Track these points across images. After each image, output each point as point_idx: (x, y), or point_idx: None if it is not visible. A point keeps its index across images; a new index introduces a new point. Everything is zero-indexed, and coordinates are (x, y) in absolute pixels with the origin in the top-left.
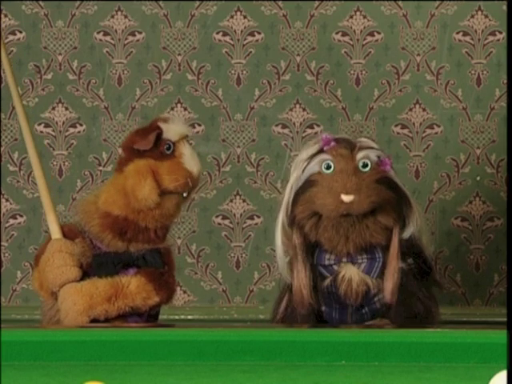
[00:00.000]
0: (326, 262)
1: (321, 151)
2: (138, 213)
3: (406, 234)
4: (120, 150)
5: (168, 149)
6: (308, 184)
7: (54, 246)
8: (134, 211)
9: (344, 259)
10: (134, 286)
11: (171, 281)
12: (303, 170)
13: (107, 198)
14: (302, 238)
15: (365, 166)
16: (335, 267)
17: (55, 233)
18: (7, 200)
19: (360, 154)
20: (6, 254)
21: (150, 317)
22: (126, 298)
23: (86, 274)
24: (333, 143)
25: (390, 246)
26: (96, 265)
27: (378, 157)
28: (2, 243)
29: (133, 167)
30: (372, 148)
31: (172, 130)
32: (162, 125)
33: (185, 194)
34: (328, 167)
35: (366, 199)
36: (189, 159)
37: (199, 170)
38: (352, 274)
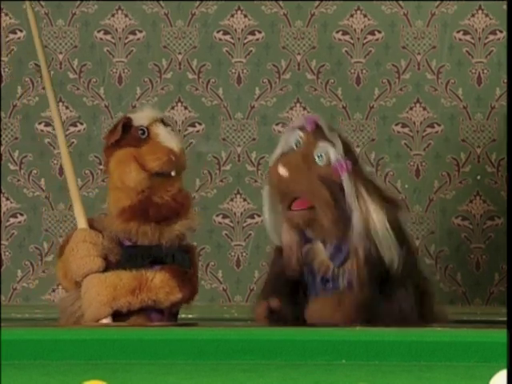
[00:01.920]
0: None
1: (302, 127)
2: (140, 193)
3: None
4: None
5: (143, 134)
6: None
7: (79, 236)
8: (138, 195)
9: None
10: (158, 280)
11: (194, 280)
12: (286, 140)
13: (111, 200)
14: None
15: (319, 157)
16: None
17: (81, 223)
18: (7, 199)
19: (321, 144)
20: (7, 253)
21: (170, 315)
22: (149, 291)
23: (111, 267)
24: (312, 126)
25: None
26: (125, 257)
27: (338, 158)
28: (3, 242)
29: (114, 160)
30: (335, 146)
31: (141, 116)
32: (130, 115)
33: (173, 173)
34: (297, 144)
35: (295, 181)
36: (166, 137)
37: (179, 146)
38: (319, 251)
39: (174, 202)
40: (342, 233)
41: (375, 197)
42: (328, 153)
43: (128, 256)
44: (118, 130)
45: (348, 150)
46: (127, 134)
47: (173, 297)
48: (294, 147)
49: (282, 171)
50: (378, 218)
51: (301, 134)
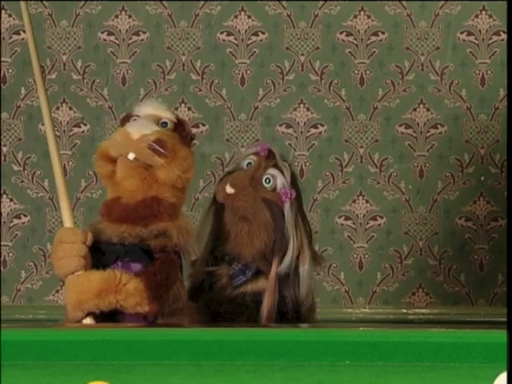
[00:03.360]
0: (216, 253)
1: (255, 153)
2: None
3: (283, 268)
4: None
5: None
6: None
7: (57, 237)
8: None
9: (226, 257)
10: (131, 287)
11: (165, 296)
12: (238, 163)
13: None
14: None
15: (267, 181)
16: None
17: (65, 221)
18: (11, 200)
19: (270, 170)
20: (10, 254)
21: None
22: (119, 294)
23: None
24: (265, 153)
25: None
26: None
27: (284, 185)
28: (7, 243)
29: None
30: (284, 174)
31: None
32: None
33: (130, 156)
34: (247, 165)
35: (239, 198)
36: (135, 124)
37: (140, 130)
38: (223, 275)
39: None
40: (263, 257)
41: (308, 235)
42: (276, 178)
43: (92, 252)
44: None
45: (294, 181)
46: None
47: (139, 308)
48: (246, 168)
49: (229, 189)
50: (308, 254)
51: (253, 157)
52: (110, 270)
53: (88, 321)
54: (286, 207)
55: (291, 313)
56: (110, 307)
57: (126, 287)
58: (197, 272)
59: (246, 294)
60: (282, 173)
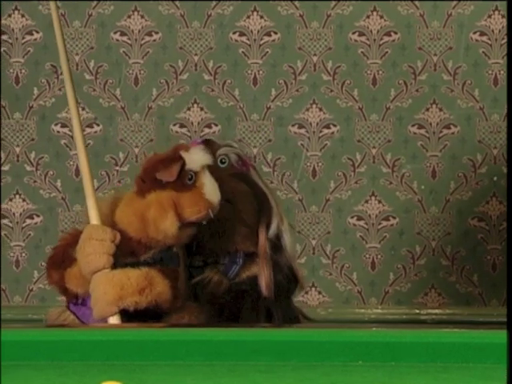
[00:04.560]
0: (196, 264)
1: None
2: (152, 238)
3: (271, 233)
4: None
5: (190, 179)
6: None
7: (86, 233)
8: (149, 237)
9: (209, 260)
10: (167, 284)
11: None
12: None
13: (123, 217)
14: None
15: (222, 162)
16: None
17: (92, 218)
18: (24, 200)
19: (219, 151)
20: (23, 254)
21: None
22: (154, 291)
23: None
24: (200, 143)
25: (257, 245)
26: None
27: (239, 156)
28: (19, 243)
29: (155, 198)
30: (232, 147)
31: (194, 160)
32: (183, 154)
33: (204, 223)
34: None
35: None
36: (210, 189)
37: (219, 198)
38: (212, 274)
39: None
40: (250, 234)
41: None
42: (227, 154)
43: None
44: (174, 174)
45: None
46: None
47: (172, 304)
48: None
49: None
50: (284, 218)
51: None
52: (146, 268)
53: (115, 319)
54: (252, 172)
55: (288, 278)
56: (149, 304)
57: (163, 284)
58: (183, 289)
59: (242, 282)
60: (231, 147)
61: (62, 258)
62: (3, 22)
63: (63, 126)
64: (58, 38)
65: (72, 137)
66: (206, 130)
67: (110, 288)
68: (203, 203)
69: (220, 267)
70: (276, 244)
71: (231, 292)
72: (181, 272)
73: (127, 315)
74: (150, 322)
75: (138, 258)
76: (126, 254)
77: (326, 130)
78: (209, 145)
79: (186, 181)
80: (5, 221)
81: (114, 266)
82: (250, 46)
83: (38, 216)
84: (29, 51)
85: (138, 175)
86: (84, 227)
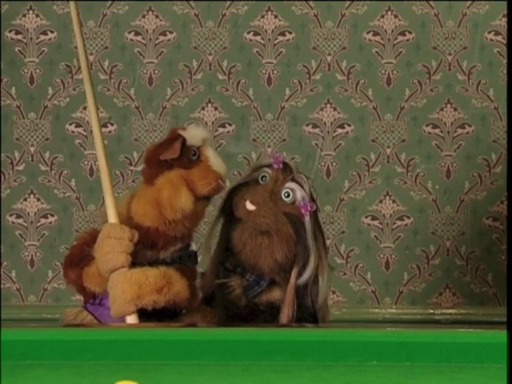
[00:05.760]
0: (226, 265)
1: (269, 165)
2: (169, 223)
3: (301, 281)
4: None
5: (194, 155)
6: (245, 185)
7: (104, 231)
8: (166, 222)
9: (238, 269)
10: (185, 284)
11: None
12: (249, 174)
13: (137, 209)
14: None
15: (286, 195)
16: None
17: (110, 217)
18: (38, 200)
19: (288, 184)
20: (38, 254)
21: None
22: (173, 290)
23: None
24: (280, 165)
25: (285, 279)
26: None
27: (303, 198)
28: (34, 243)
29: (165, 179)
30: (303, 188)
31: (194, 136)
32: (182, 132)
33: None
34: (262, 178)
35: (261, 215)
36: (215, 161)
37: (225, 169)
38: (236, 286)
39: (181, 243)
40: (281, 269)
41: (324, 245)
42: (295, 192)
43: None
44: (177, 150)
45: (311, 194)
46: (179, 154)
47: (190, 304)
48: (260, 181)
49: (250, 206)
50: (326, 264)
51: (268, 170)
52: (164, 267)
53: (133, 318)
54: (307, 220)
55: (308, 320)
56: (167, 303)
57: (181, 282)
58: (207, 283)
59: (260, 304)
60: (301, 186)
61: (80, 257)
62: (18, 21)
63: (78, 125)
64: (78, 37)
65: (86, 136)
66: (220, 130)
67: (128, 287)
68: (212, 175)
69: (244, 282)
70: (307, 287)
71: (248, 307)
72: (210, 268)
73: (145, 314)
74: (167, 320)
75: (157, 251)
76: (145, 246)
77: (340, 130)
78: (285, 167)
79: (190, 156)
80: (19, 220)
81: (133, 265)
82: (264, 45)
83: (52, 216)
84: (43, 51)
85: (143, 168)
86: (102, 226)
